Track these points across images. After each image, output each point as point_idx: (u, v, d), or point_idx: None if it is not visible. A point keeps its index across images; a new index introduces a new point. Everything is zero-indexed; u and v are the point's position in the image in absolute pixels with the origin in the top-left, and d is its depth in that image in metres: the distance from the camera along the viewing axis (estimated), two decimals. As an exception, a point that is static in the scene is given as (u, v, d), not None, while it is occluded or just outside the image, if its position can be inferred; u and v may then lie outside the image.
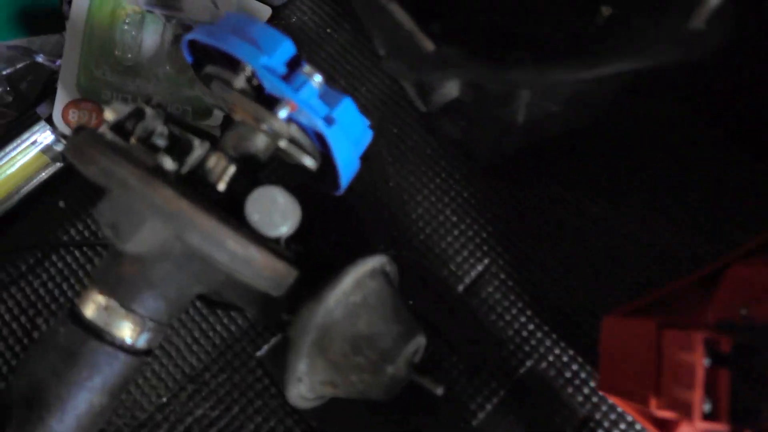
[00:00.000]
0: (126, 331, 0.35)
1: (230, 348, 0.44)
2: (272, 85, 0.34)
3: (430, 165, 0.49)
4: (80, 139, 0.31)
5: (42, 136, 0.45)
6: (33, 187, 0.47)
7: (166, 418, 0.42)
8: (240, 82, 0.34)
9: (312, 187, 0.44)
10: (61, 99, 0.45)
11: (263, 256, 0.32)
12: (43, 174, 0.47)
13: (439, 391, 0.35)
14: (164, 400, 0.43)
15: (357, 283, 0.36)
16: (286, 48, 0.33)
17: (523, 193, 0.48)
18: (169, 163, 0.31)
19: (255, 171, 0.38)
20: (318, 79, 0.33)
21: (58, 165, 0.47)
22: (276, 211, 0.35)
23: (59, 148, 0.47)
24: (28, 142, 0.45)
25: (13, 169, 0.46)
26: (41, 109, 0.47)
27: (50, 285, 0.46)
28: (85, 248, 0.47)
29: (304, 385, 0.36)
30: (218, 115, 0.48)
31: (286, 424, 0.42)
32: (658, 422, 0.38)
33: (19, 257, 0.46)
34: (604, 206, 0.47)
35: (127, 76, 0.46)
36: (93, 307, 0.34)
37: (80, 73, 0.45)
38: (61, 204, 0.48)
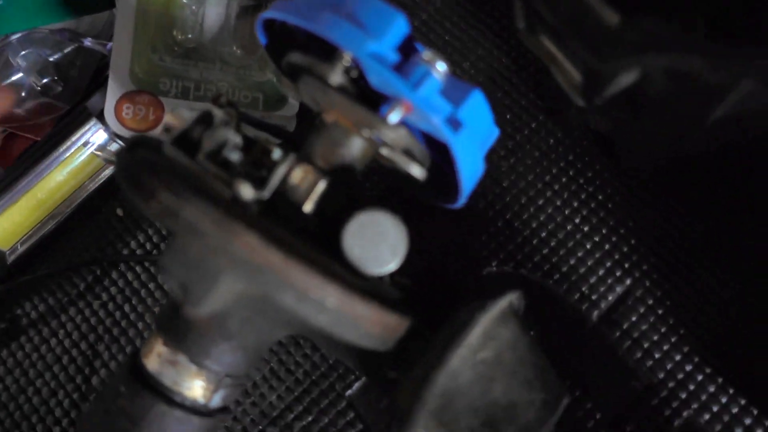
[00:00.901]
0: (198, 391, 0.28)
1: (316, 384, 0.37)
2: (382, 79, 0.25)
3: (555, 160, 0.39)
4: (136, 162, 0.23)
5: (95, 136, 0.39)
6: (87, 194, 0.41)
7: (246, 468, 0.37)
8: (337, 76, 0.26)
9: (417, 199, 0.35)
10: (113, 92, 0.38)
11: (373, 312, 0.24)
12: (98, 178, 0.41)
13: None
14: (243, 446, 0.37)
15: (487, 335, 0.27)
16: (399, 27, 0.24)
17: (679, 197, 0.37)
18: (248, 192, 0.24)
19: (349, 185, 0.30)
20: (442, 68, 0.24)
21: (113, 168, 0.41)
22: (384, 244, 0.26)
23: (114, 148, 0.40)
24: (79, 144, 0.39)
25: (63, 175, 0.39)
26: (92, 103, 0.40)
27: (111, 306, 0.40)
28: (147, 263, 0.41)
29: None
30: (293, 104, 0.39)
31: (384, 481, 0.36)
32: None
33: (76, 275, 0.41)
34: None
35: (189, 60, 0.39)
36: (158, 361, 0.28)
37: (134, 59, 0.38)
38: (119, 212, 0.42)
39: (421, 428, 0.27)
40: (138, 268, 0.41)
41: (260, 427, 0.37)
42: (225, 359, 0.28)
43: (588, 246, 0.38)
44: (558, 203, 0.39)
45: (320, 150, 0.29)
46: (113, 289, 0.40)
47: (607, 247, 0.38)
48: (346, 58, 0.25)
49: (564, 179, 0.39)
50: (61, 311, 0.40)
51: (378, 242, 0.26)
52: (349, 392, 0.37)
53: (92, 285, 0.41)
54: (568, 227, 0.38)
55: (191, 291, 0.23)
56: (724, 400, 0.35)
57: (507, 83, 0.41)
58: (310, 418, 0.37)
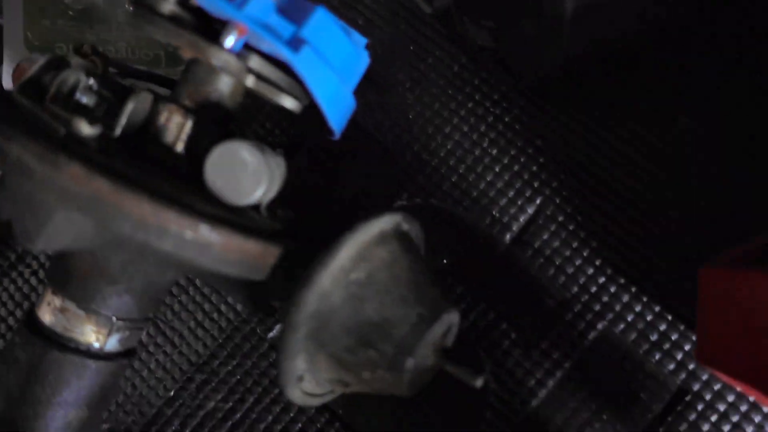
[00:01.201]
0: (90, 336, 0.29)
1: (238, 330, 0.38)
2: (211, 4, 0.25)
3: (459, 86, 0.39)
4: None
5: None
6: None
7: (176, 413, 0.37)
8: (169, 4, 0.25)
9: (307, 134, 0.35)
10: (9, 61, 0.38)
11: (223, 237, 0.24)
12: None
13: (478, 382, 0.27)
14: (172, 393, 0.38)
15: (360, 255, 0.27)
16: None
17: (582, 112, 0.37)
18: (85, 128, 0.24)
19: (224, 124, 0.30)
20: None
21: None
22: (245, 174, 0.26)
23: None
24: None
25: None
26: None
27: (42, 274, 0.41)
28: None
29: (309, 383, 0.29)
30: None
31: (308, 414, 0.36)
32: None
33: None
34: (694, 122, 0.35)
35: (83, 23, 0.39)
36: (49, 310, 0.29)
37: (26, 26, 0.38)
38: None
39: (300, 348, 0.27)
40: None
41: (188, 375, 0.38)
42: (112, 303, 0.29)
43: (497, 169, 0.37)
44: (465, 129, 0.38)
45: (185, 89, 0.29)
46: (43, 257, 0.41)
47: (516, 168, 0.37)
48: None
49: (470, 104, 0.38)
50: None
51: (240, 172, 0.26)
52: (270, 335, 0.38)
53: (24, 255, 0.42)
54: (476, 152, 0.38)
55: (24, 228, 0.23)
56: (638, 308, 0.34)
57: (409, 14, 0.40)
58: (234, 362, 0.38)
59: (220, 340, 0.38)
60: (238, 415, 0.37)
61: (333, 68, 0.27)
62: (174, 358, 0.38)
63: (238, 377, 0.37)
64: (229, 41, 0.25)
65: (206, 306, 0.39)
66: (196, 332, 0.38)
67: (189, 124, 0.28)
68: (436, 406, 0.35)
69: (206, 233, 0.24)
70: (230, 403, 0.37)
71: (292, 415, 0.36)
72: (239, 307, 0.38)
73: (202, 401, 0.37)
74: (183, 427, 0.37)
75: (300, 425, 0.36)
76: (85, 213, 0.23)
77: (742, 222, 0.34)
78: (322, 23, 0.26)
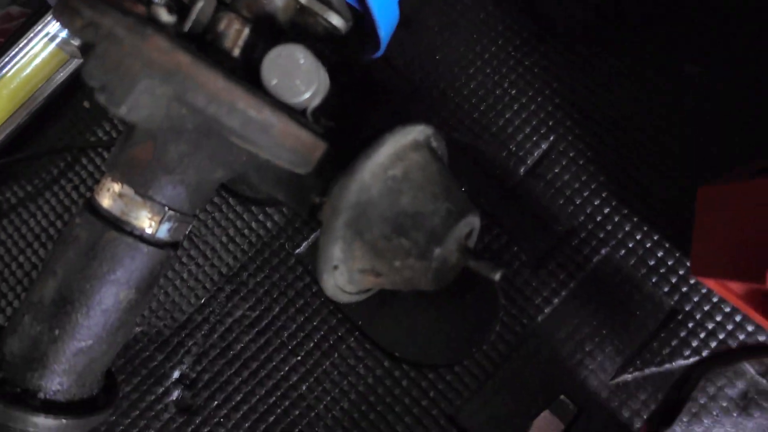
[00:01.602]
0: (145, 221, 0.31)
1: (267, 246, 0.41)
2: None
3: (485, 32, 0.42)
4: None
5: (55, 26, 0.42)
6: (54, 87, 0.44)
7: (205, 319, 0.40)
8: None
9: (344, 57, 0.38)
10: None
11: (282, 122, 0.27)
12: (63, 73, 0.44)
13: (497, 275, 0.30)
14: (203, 301, 0.40)
15: (396, 155, 0.30)
16: None
17: (597, 57, 0.40)
18: (165, 15, 0.27)
19: (275, 36, 0.33)
20: None
21: (78, 61, 0.44)
22: (298, 74, 0.29)
23: (77, 42, 0.43)
24: (41, 35, 0.42)
25: (30, 69, 0.43)
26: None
27: (82, 188, 0.44)
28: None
29: (342, 275, 0.32)
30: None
31: (329, 323, 0.39)
32: (767, 306, 0.31)
33: (49, 162, 0.44)
34: (700, 66, 0.39)
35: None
36: (108, 196, 0.31)
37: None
38: (86, 104, 0.45)
39: (340, 236, 0.30)
40: (105, 154, 0.44)
41: (219, 285, 0.41)
42: (167, 192, 0.31)
43: (515, 107, 0.40)
44: (488, 71, 0.41)
45: (244, 1, 0.32)
46: (83, 173, 0.44)
47: (532, 107, 0.40)
48: None
49: (493, 48, 0.41)
50: (38, 195, 0.44)
51: (294, 72, 0.29)
52: (297, 251, 0.41)
53: (64, 171, 0.44)
54: (497, 92, 0.41)
55: (112, 92, 0.26)
56: (638, 236, 0.38)
57: (439, -37, 0.43)
58: (262, 275, 0.40)
59: (250, 254, 0.41)
60: (264, 323, 0.40)
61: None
62: (206, 269, 0.41)
63: (266, 288, 0.40)
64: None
65: (238, 223, 0.41)
66: (227, 246, 0.41)
67: (246, 32, 0.31)
68: (450, 321, 0.38)
69: (269, 115, 0.27)
70: (257, 312, 0.40)
71: (315, 323, 0.39)
72: (269, 224, 0.41)
73: (230, 309, 0.40)
74: (212, 332, 0.40)
75: (322, 333, 0.39)
76: (166, 81, 0.25)
77: (737, 159, 0.37)
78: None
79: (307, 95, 0.30)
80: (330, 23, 0.33)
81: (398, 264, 0.30)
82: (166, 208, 0.32)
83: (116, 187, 0.31)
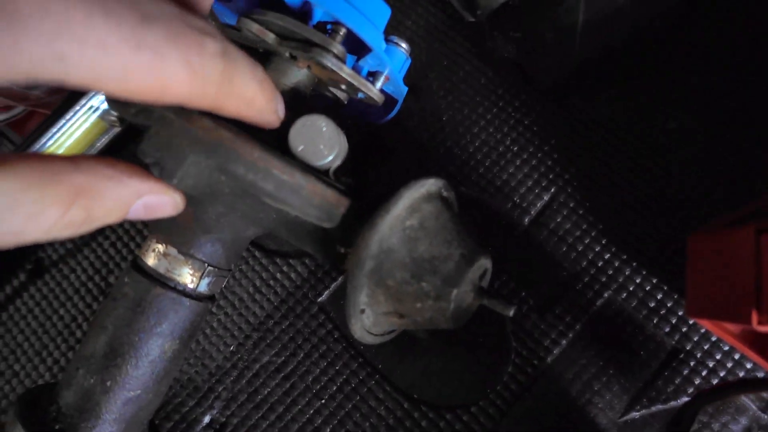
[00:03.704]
0: (187, 277, 0.35)
1: (292, 295, 0.44)
2: (377, 60, 0.33)
3: (486, 95, 0.46)
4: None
5: (98, 99, 0.46)
6: (95, 153, 0.48)
7: (234, 366, 0.43)
8: (337, 47, 0.33)
9: (353, 120, 0.42)
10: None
11: (310, 183, 0.31)
12: (103, 140, 0.48)
13: (510, 312, 0.33)
14: (232, 348, 0.43)
15: (412, 207, 0.34)
16: (386, 13, 0.33)
17: (590, 115, 0.44)
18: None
19: (299, 105, 0.37)
20: (406, 46, 0.33)
21: (117, 130, 0.48)
22: (321, 140, 0.33)
23: (116, 114, 0.48)
24: (84, 108, 0.47)
25: (73, 139, 0.47)
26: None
27: (119, 245, 0.47)
28: (147, 207, 0.48)
29: (368, 318, 0.35)
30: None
31: (351, 368, 0.41)
32: (759, 344, 0.33)
33: (88, 220, 0.48)
34: (683, 120, 0.42)
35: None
36: (153, 255, 0.35)
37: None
38: (123, 167, 0.49)
39: (365, 283, 0.33)
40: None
41: (246, 333, 0.43)
42: (206, 250, 0.35)
43: (518, 163, 0.44)
44: (490, 130, 0.45)
45: (271, 77, 0.36)
46: (120, 231, 0.48)
47: (534, 162, 0.44)
48: (341, 34, 0.33)
49: (494, 110, 0.45)
50: (77, 251, 0.48)
51: (317, 139, 0.33)
52: (320, 299, 0.44)
53: (103, 228, 0.48)
54: (500, 149, 0.45)
55: (165, 167, 0.30)
56: (638, 280, 0.40)
57: (443, 35, 0.48)
58: (287, 323, 0.43)
59: (276, 303, 0.44)
60: (290, 368, 0.42)
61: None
62: (234, 318, 0.44)
63: (291, 335, 0.43)
64: (379, 84, 0.33)
65: (264, 274, 0.45)
66: (254, 296, 0.44)
67: (275, 106, 0.35)
68: (464, 363, 0.41)
69: (299, 178, 0.30)
70: (283, 358, 0.42)
71: (337, 368, 0.42)
72: (292, 275, 0.44)
73: (257, 356, 0.43)
74: (240, 378, 0.42)
75: (344, 377, 0.41)
76: (210, 155, 0.29)
77: (722, 205, 0.40)
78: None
79: (329, 158, 0.33)
80: (334, 95, 0.37)
81: (419, 306, 0.33)
82: (206, 265, 0.35)
83: (161, 247, 0.35)
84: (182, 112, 0.29)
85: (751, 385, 0.30)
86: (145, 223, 0.47)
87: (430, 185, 0.35)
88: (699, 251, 0.35)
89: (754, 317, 0.28)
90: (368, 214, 0.34)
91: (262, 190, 0.30)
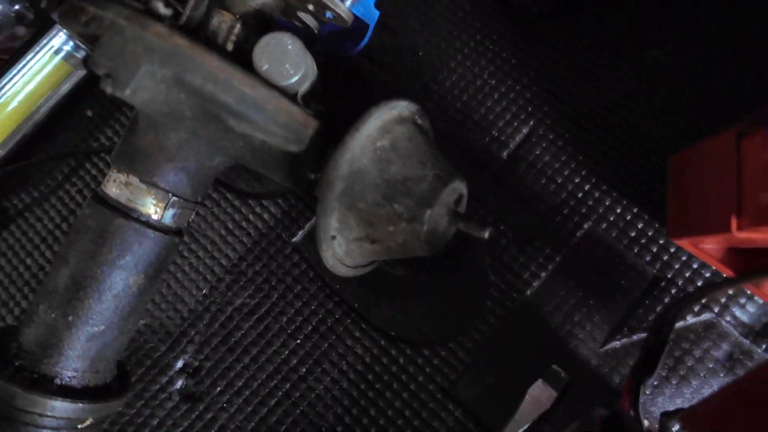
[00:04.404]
0: (150, 207, 0.33)
1: (265, 237, 0.43)
2: None
3: (463, 28, 0.44)
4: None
5: (59, 40, 0.45)
6: (59, 98, 0.46)
7: (207, 309, 0.42)
8: None
9: (327, 55, 0.41)
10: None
11: (275, 98, 0.29)
12: (68, 84, 0.46)
13: (486, 234, 0.32)
14: (204, 292, 0.42)
15: (384, 128, 0.32)
16: None
17: (570, 46, 0.42)
18: (162, 8, 0.29)
19: (264, 29, 0.35)
20: None
21: (81, 73, 0.46)
22: (287, 58, 0.32)
23: (80, 54, 0.46)
24: (46, 49, 0.45)
25: (36, 82, 0.45)
26: (56, 15, 0.46)
27: (86, 192, 0.46)
28: (115, 153, 0.46)
29: (340, 246, 0.33)
30: None
31: (326, 307, 0.40)
32: (739, 265, 0.33)
33: (54, 168, 0.46)
34: (666, 48, 0.41)
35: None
36: (114, 185, 0.33)
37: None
38: (89, 113, 0.47)
39: (335, 207, 0.32)
40: (108, 158, 0.46)
41: (219, 276, 0.42)
42: (170, 178, 0.33)
43: (496, 96, 0.43)
44: (468, 64, 0.44)
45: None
46: (87, 177, 0.46)
47: (512, 95, 0.43)
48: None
49: (472, 44, 0.44)
50: (44, 200, 0.46)
51: (283, 58, 0.32)
52: (294, 240, 0.42)
53: (69, 176, 0.46)
54: (478, 83, 0.43)
55: (117, 77, 0.28)
56: (618, 210, 0.39)
57: (418, -31, 0.46)
58: (261, 264, 0.42)
59: (248, 245, 0.43)
60: (263, 310, 0.41)
61: None
62: (206, 262, 0.43)
63: (264, 276, 0.42)
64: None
65: (236, 216, 0.43)
66: (226, 239, 0.43)
67: (238, 27, 0.33)
68: (442, 299, 0.40)
69: (262, 91, 0.29)
70: (256, 300, 0.41)
71: (312, 308, 0.41)
72: (266, 216, 0.43)
73: (231, 298, 0.42)
74: (213, 322, 0.41)
75: (319, 316, 0.40)
76: (166, 64, 0.28)
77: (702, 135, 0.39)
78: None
79: (296, 78, 0.32)
80: (304, 23, 0.36)
81: (392, 229, 0.32)
82: (170, 195, 0.33)
83: (122, 176, 0.33)
84: (135, 17, 0.27)
85: (724, 283, 0.29)
86: (113, 169, 0.46)
87: (402, 108, 0.33)
88: (680, 168, 0.34)
89: (734, 223, 0.27)
90: (336, 140, 0.33)
91: (223, 105, 0.29)
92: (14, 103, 0.45)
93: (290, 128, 0.31)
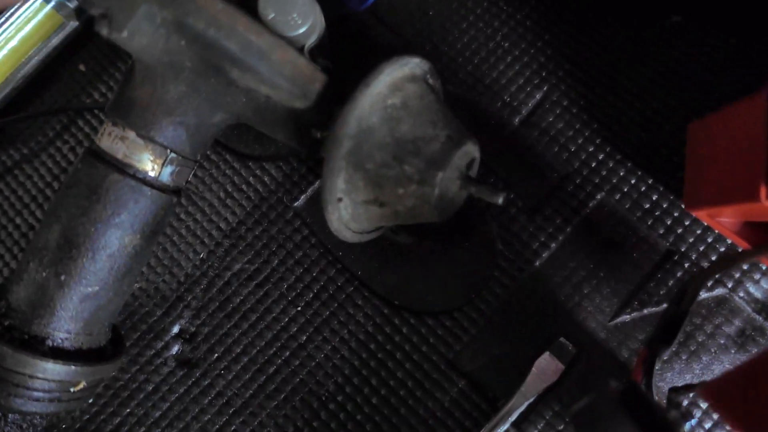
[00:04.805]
0: (147, 164, 0.31)
1: (265, 200, 0.41)
2: None
3: (475, -12, 0.42)
4: None
5: (50, -12, 0.42)
6: (50, 50, 0.44)
7: (204, 274, 0.40)
8: None
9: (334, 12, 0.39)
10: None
11: (281, 47, 0.28)
12: (59, 35, 0.44)
13: (500, 199, 0.30)
14: (202, 256, 0.41)
15: (395, 85, 0.31)
16: None
17: (586, 9, 0.40)
18: (162, -55, 0.27)
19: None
20: None
21: (74, 24, 0.44)
22: (294, 8, 0.30)
23: (72, 4, 0.44)
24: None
25: (25, 32, 0.43)
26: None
27: (79, 149, 0.44)
28: (109, 110, 0.44)
29: (346, 209, 0.32)
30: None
31: (328, 274, 0.39)
32: (755, 238, 0.32)
33: (45, 124, 0.44)
34: (687, 13, 0.40)
35: None
36: (109, 139, 0.31)
37: None
38: (82, 67, 0.45)
39: (342, 167, 0.30)
40: (101, 115, 0.44)
41: (217, 240, 0.41)
42: (168, 133, 0.31)
43: (508, 60, 0.41)
44: (480, 25, 0.42)
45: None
46: (80, 134, 0.44)
47: (525, 59, 0.41)
48: None
49: (485, 3, 0.42)
50: (34, 157, 0.44)
51: (289, 8, 0.30)
52: (296, 204, 0.41)
53: (60, 132, 0.44)
54: (490, 45, 0.41)
55: (113, 18, 0.26)
56: (633, 180, 0.38)
57: (431, -77, 0.44)
58: (261, 229, 0.41)
59: (248, 209, 0.41)
60: (263, 276, 0.40)
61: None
62: (204, 225, 0.41)
63: (264, 242, 0.40)
64: None
65: (236, 178, 0.42)
66: (225, 202, 0.41)
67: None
68: (448, 268, 0.38)
69: (268, 38, 0.27)
70: (256, 265, 0.40)
71: (314, 274, 0.39)
72: (266, 179, 0.41)
73: (229, 263, 0.40)
74: (210, 287, 0.40)
75: (321, 283, 0.39)
76: (166, 5, 0.26)
77: (721, 103, 0.37)
78: None
79: (303, 29, 0.30)
80: None
81: (401, 191, 0.30)
82: (168, 151, 0.32)
83: (117, 130, 0.31)
84: (132, -46, 0.25)
85: (750, 253, 0.28)
86: (107, 127, 0.44)
87: (414, 65, 0.32)
88: (701, 136, 0.33)
89: (763, 191, 0.26)
90: (344, 97, 0.31)
91: (226, 54, 0.27)
92: (0, 55, 0.43)
93: (296, 82, 0.29)
